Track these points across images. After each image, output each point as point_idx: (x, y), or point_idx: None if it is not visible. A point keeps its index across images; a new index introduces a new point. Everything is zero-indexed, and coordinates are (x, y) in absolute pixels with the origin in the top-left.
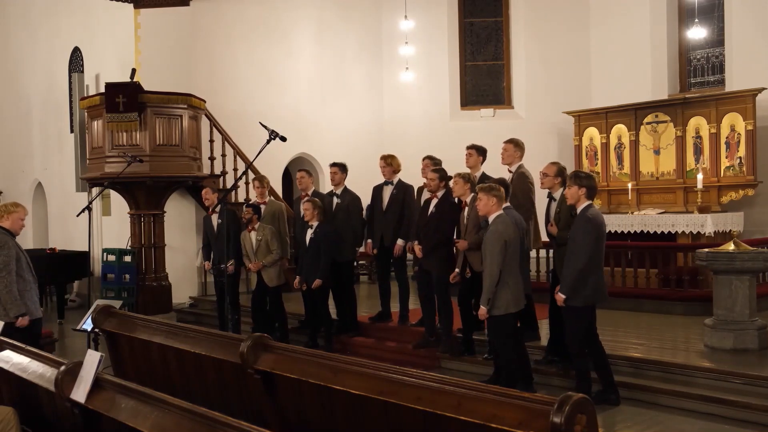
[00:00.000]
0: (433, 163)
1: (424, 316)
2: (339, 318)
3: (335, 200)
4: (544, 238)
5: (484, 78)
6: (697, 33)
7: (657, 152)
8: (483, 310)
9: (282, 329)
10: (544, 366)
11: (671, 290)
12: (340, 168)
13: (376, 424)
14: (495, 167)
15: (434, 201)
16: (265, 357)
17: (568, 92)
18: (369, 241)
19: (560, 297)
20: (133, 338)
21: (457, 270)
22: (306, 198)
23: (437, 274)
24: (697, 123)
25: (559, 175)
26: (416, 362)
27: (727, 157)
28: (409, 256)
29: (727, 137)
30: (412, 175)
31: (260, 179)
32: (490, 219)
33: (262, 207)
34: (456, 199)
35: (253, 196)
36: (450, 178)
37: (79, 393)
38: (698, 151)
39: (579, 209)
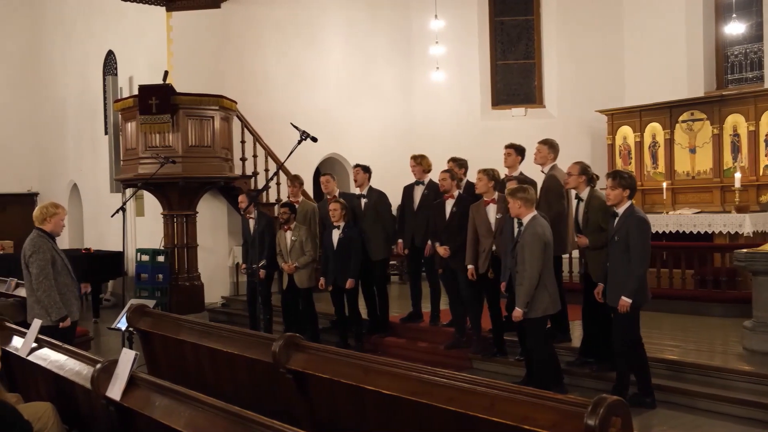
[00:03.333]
0: (457, 165)
1: (453, 316)
2: (369, 318)
3: (363, 201)
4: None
5: (515, 77)
6: (735, 28)
7: (693, 151)
8: (519, 312)
9: (312, 329)
10: (577, 368)
11: (708, 291)
12: (362, 169)
13: (408, 425)
14: (526, 168)
15: (450, 201)
16: (297, 357)
17: (601, 90)
18: (400, 241)
19: (626, 302)
20: (166, 337)
21: (470, 267)
22: (333, 198)
23: (464, 274)
24: (735, 120)
25: (584, 173)
26: (448, 363)
27: (766, 155)
28: None
29: (766, 135)
30: None
31: (293, 179)
32: (524, 221)
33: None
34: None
35: (285, 197)
36: (459, 178)
37: (115, 391)
38: (736, 149)
39: (622, 209)
